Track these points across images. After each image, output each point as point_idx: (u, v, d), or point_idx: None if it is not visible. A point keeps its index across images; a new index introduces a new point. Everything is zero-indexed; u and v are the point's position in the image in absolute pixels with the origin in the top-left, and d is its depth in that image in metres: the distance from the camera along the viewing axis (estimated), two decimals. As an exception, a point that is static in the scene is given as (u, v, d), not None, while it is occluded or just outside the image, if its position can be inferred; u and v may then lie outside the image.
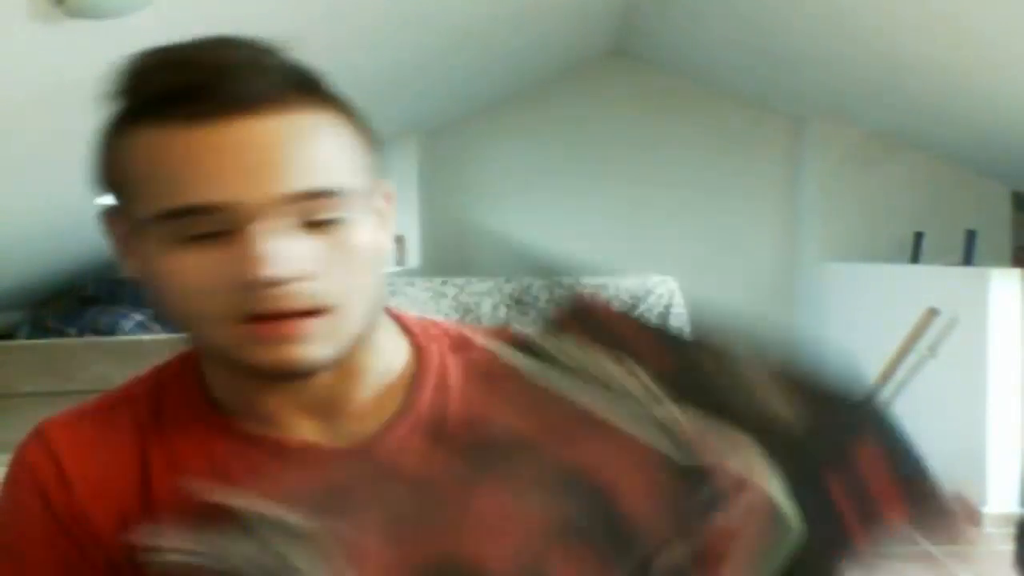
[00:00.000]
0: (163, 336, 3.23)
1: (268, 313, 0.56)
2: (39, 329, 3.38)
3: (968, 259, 3.91)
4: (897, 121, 4.00)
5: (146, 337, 3.19)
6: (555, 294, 0.60)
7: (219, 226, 0.55)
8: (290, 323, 0.57)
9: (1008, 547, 1.27)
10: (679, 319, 2.14)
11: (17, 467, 0.66)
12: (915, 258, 4.13)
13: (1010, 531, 1.40)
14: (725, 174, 4.62)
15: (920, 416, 3.89)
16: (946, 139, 3.98)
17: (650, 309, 2.20)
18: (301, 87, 0.58)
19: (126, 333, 3.27)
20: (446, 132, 4.43)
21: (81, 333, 3.30)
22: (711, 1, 3.37)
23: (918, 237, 4.14)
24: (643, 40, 4.34)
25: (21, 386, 2.78)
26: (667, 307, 2.14)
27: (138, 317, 3.41)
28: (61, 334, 3.31)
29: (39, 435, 0.66)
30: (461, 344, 0.71)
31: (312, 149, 0.57)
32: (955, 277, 3.26)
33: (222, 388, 0.65)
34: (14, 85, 1.64)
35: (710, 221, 4.63)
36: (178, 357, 0.69)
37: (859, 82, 3.57)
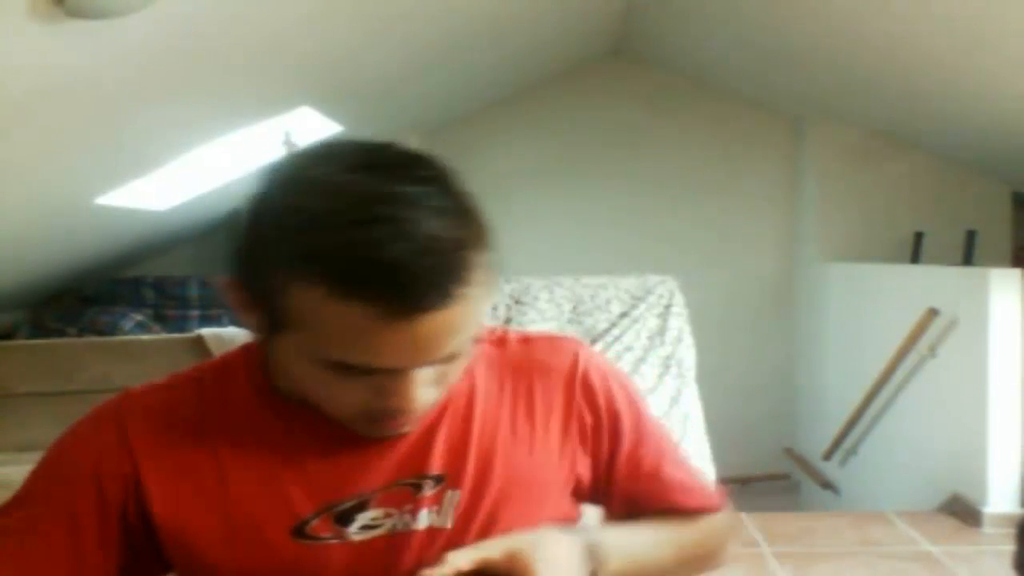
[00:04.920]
0: (163, 336, 3.23)
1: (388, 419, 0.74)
2: (39, 329, 3.37)
3: (968, 259, 3.91)
4: (897, 121, 4.00)
5: (146, 337, 3.19)
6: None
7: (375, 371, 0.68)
8: (398, 422, 0.75)
9: (1008, 547, 1.27)
10: (679, 319, 2.14)
11: (86, 425, 0.78)
12: (915, 258, 4.12)
13: (1010, 531, 1.39)
14: (725, 174, 4.62)
15: (920, 416, 3.86)
16: (946, 139, 3.98)
17: (650, 309, 2.20)
18: (474, 271, 0.67)
19: (126, 333, 3.27)
20: (446, 132, 4.43)
21: (81, 333, 3.30)
22: (711, 2, 3.37)
23: (918, 237, 4.14)
24: (643, 40, 4.34)
25: (21, 386, 2.77)
26: (667, 307, 2.13)
27: (138, 317, 3.41)
28: (61, 334, 3.31)
29: (117, 401, 0.79)
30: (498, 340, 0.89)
31: (464, 325, 0.69)
32: (955, 277, 3.26)
33: (288, 385, 0.78)
34: (14, 84, 1.64)
35: (710, 221, 4.63)
36: (243, 348, 0.83)
37: (859, 82, 3.57)
